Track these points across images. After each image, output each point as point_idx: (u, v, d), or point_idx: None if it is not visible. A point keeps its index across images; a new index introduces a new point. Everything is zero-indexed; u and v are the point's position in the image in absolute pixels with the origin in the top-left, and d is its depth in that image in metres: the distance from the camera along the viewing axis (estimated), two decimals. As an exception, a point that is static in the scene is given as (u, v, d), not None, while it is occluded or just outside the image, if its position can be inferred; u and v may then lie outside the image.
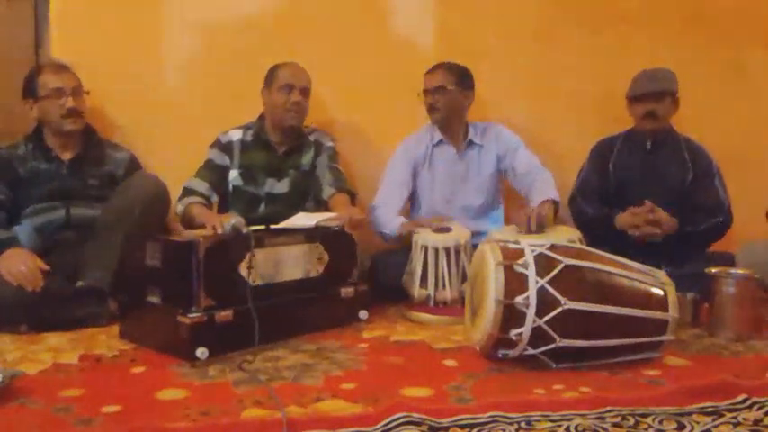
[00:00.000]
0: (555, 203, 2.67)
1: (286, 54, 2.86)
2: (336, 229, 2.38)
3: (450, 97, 2.80)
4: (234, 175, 2.76)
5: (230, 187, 2.77)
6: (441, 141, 2.89)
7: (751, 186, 3.15)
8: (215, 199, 2.76)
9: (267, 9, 3.05)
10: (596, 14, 3.22)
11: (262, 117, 2.82)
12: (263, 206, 2.75)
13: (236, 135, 2.79)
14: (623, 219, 2.64)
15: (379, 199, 2.84)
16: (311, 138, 2.85)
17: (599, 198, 2.83)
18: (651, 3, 3.23)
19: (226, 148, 2.77)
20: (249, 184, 2.76)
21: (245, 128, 2.81)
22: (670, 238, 2.61)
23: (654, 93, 2.72)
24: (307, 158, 2.82)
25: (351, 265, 2.41)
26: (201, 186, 2.70)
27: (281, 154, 2.79)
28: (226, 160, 2.76)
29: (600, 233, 2.63)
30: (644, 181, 2.80)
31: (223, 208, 2.80)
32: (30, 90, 2.57)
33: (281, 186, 2.77)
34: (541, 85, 3.21)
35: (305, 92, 2.74)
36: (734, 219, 2.77)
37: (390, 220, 2.72)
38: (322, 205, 2.77)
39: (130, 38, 2.96)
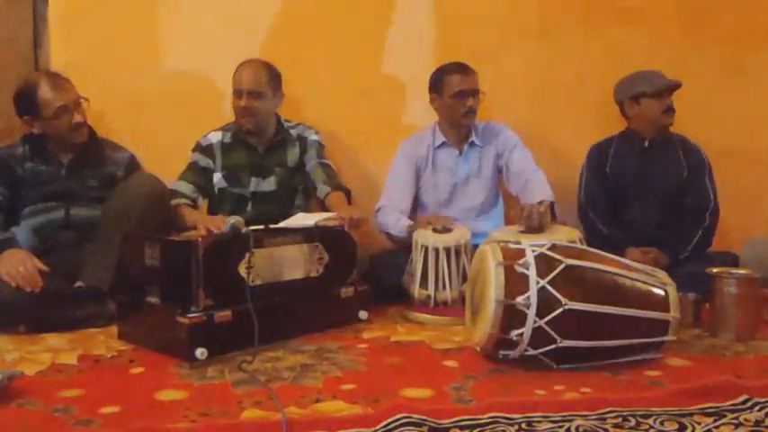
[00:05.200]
0: (551, 204, 2.65)
1: (282, 54, 2.85)
2: (337, 228, 2.37)
3: (479, 99, 2.80)
4: (218, 177, 2.75)
5: (215, 189, 2.76)
6: (443, 143, 2.88)
7: (751, 186, 3.15)
8: (201, 201, 2.75)
9: (263, 11, 3.04)
10: (596, 14, 3.21)
11: None
12: (249, 206, 2.74)
13: (215, 137, 2.77)
14: (632, 254, 2.60)
15: (384, 200, 2.82)
16: (293, 132, 2.83)
17: (608, 208, 2.84)
18: (651, 3, 3.22)
19: (207, 150, 2.76)
20: (234, 185, 2.75)
21: (224, 129, 2.79)
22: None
23: (675, 87, 2.74)
24: (292, 155, 2.81)
25: (351, 265, 2.40)
26: (186, 188, 2.70)
27: (263, 152, 2.78)
28: (209, 162, 2.76)
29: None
30: (641, 180, 2.81)
31: (211, 210, 2.80)
32: (28, 108, 2.48)
33: (267, 185, 2.76)
34: (541, 84, 3.20)
35: (253, 94, 2.68)
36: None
37: (396, 221, 2.71)
38: (314, 202, 2.76)
39: (128, 38, 2.95)
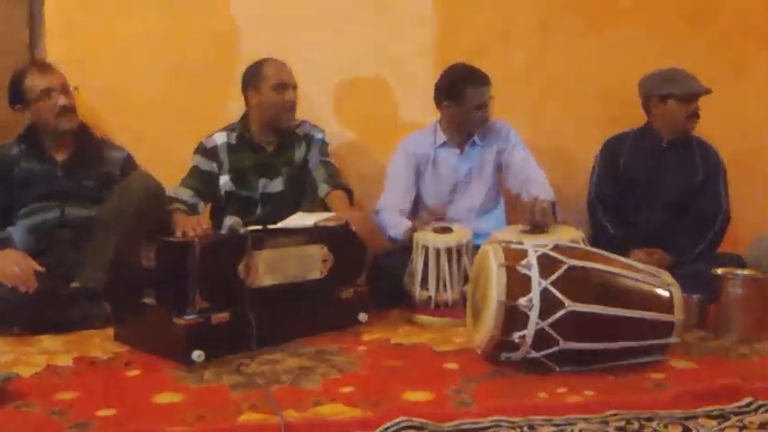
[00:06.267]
0: (552, 204, 2.64)
1: (282, 52, 2.83)
2: (344, 229, 2.34)
3: None
4: (225, 180, 2.71)
5: (222, 192, 2.72)
6: (444, 143, 2.86)
7: (752, 187, 3.15)
8: (201, 206, 2.69)
9: (262, 6, 3.03)
10: (596, 14, 3.21)
11: (245, 117, 2.76)
12: (259, 208, 2.71)
13: (220, 139, 2.73)
14: (636, 255, 2.59)
15: (384, 201, 2.80)
16: (299, 131, 2.81)
17: (616, 206, 2.83)
18: (651, 2, 3.23)
19: (211, 153, 2.71)
20: (242, 187, 2.71)
21: (229, 130, 2.75)
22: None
23: (705, 93, 2.72)
24: (299, 154, 2.78)
25: (359, 267, 2.38)
26: (185, 194, 2.65)
27: (271, 152, 2.75)
28: (213, 166, 2.71)
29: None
30: (654, 181, 2.79)
31: (218, 214, 2.73)
32: (17, 96, 2.52)
33: (275, 185, 2.73)
34: (542, 83, 3.20)
35: (295, 89, 2.70)
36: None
37: (396, 223, 2.69)
38: (318, 202, 2.74)
39: (125, 37, 2.95)
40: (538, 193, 2.61)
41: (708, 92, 2.72)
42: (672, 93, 2.72)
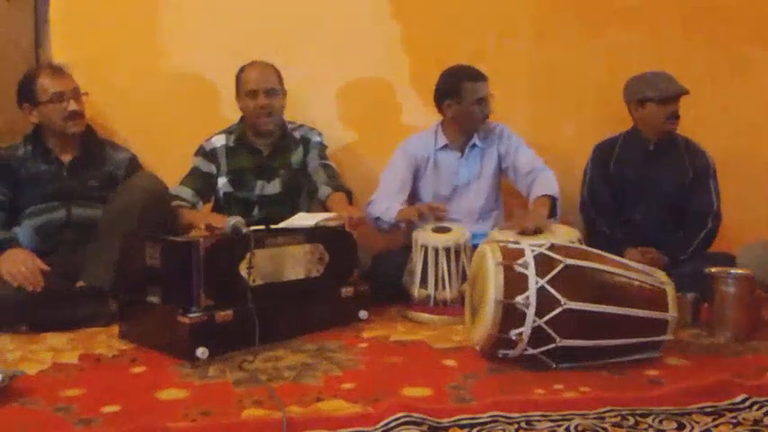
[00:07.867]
0: (553, 200, 2.66)
1: (284, 54, 2.85)
2: (337, 228, 2.38)
3: None
4: (223, 181, 2.75)
5: (221, 194, 2.76)
6: (445, 146, 2.87)
7: (751, 187, 3.15)
8: (200, 206, 2.74)
9: (264, 9, 3.04)
10: (596, 14, 3.21)
11: (243, 119, 2.79)
12: (256, 210, 2.75)
13: (219, 141, 2.76)
14: (631, 254, 2.61)
15: (378, 194, 2.81)
16: (297, 134, 2.83)
17: (610, 207, 2.85)
18: (651, 2, 3.23)
19: (210, 155, 2.75)
20: (240, 189, 2.75)
21: (228, 132, 2.78)
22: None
23: (683, 93, 2.73)
24: (296, 157, 2.80)
25: (351, 264, 2.41)
26: (185, 193, 2.69)
27: (268, 155, 2.77)
28: (212, 168, 2.75)
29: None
30: (644, 183, 2.81)
31: (217, 213, 2.77)
32: (27, 95, 2.53)
33: (272, 187, 2.76)
34: (541, 85, 3.21)
35: (271, 93, 2.69)
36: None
37: (387, 207, 2.69)
38: (317, 204, 2.76)
39: (130, 38, 2.97)
40: (539, 191, 2.65)
41: (686, 92, 2.73)
42: (649, 96, 2.74)
